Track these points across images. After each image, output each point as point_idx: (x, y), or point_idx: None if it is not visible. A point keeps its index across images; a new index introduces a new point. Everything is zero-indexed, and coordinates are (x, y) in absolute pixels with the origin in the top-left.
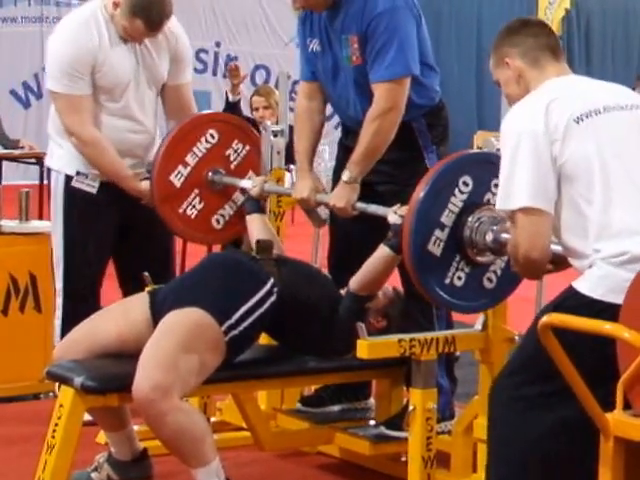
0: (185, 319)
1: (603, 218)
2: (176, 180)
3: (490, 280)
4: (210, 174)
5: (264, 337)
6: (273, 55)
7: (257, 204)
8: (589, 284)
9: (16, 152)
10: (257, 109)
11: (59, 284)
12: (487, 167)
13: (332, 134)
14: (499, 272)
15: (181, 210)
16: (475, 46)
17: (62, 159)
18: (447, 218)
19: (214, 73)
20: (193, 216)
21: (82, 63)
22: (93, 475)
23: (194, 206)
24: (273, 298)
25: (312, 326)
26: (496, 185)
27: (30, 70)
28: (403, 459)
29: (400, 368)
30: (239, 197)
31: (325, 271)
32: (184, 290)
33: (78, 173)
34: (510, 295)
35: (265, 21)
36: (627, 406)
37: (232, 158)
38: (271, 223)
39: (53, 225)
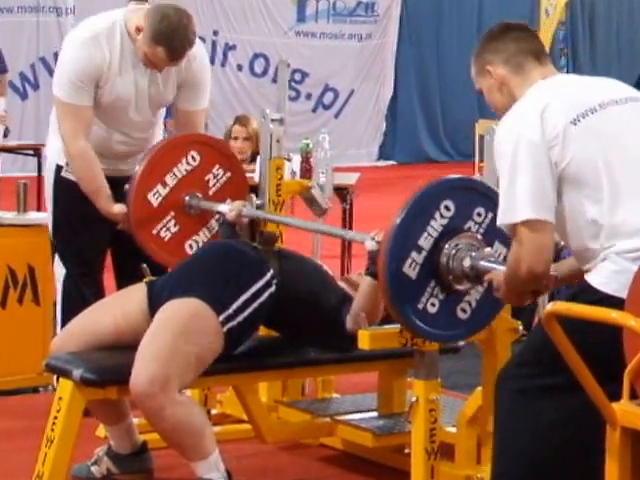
0: (182, 310)
1: (613, 218)
2: (153, 199)
3: (464, 310)
4: (187, 198)
5: (264, 329)
6: (272, 43)
7: (232, 229)
8: (603, 279)
9: (13, 143)
10: (237, 138)
11: (60, 272)
12: (472, 195)
13: (331, 123)
14: (474, 303)
15: (155, 231)
16: (476, 33)
17: (55, 149)
18: (425, 241)
19: (212, 62)
20: (167, 239)
21: (87, 76)
22: (93, 468)
23: (169, 229)
24: (272, 289)
25: (311, 320)
26: (479, 214)
27: (27, 61)
28: (406, 451)
29: (403, 359)
30: (215, 225)
31: (325, 266)
32: (181, 280)
33: (68, 164)
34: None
35: (264, 9)
36: (634, 396)
37: (211, 184)
38: (271, 213)
39: (49, 213)
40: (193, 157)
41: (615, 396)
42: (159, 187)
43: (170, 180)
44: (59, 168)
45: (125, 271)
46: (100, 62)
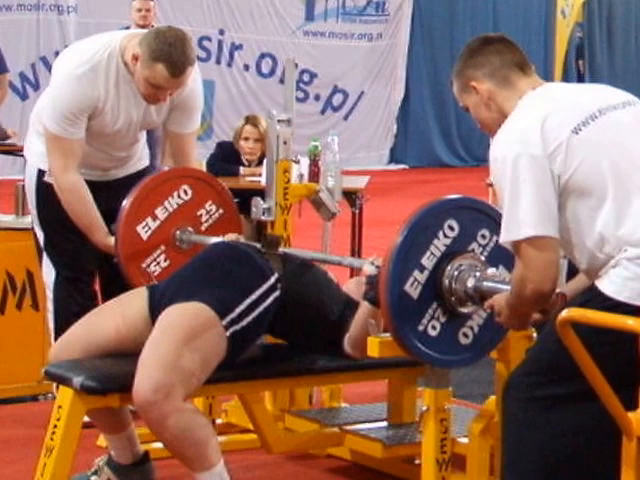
0: (184, 314)
1: (621, 228)
2: (143, 232)
3: (466, 336)
4: (178, 233)
5: (271, 337)
6: (280, 43)
7: None
8: (615, 286)
9: (7, 142)
10: (247, 139)
11: (49, 278)
12: (476, 216)
13: (341, 125)
14: (476, 329)
15: (144, 265)
16: (491, 32)
17: (37, 153)
18: (428, 260)
19: (218, 61)
20: (156, 274)
21: (82, 111)
22: (93, 478)
23: (159, 263)
24: (277, 293)
25: (316, 325)
26: (483, 236)
27: (27, 60)
28: (417, 462)
29: (413, 368)
30: None
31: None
32: (183, 284)
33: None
34: (487, 354)
35: (271, 7)
36: None
37: (204, 219)
38: (278, 216)
39: (33, 219)
40: (185, 191)
41: (630, 405)
42: (149, 220)
43: (161, 214)
44: (41, 173)
45: (110, 278)
46: (96, 97)
